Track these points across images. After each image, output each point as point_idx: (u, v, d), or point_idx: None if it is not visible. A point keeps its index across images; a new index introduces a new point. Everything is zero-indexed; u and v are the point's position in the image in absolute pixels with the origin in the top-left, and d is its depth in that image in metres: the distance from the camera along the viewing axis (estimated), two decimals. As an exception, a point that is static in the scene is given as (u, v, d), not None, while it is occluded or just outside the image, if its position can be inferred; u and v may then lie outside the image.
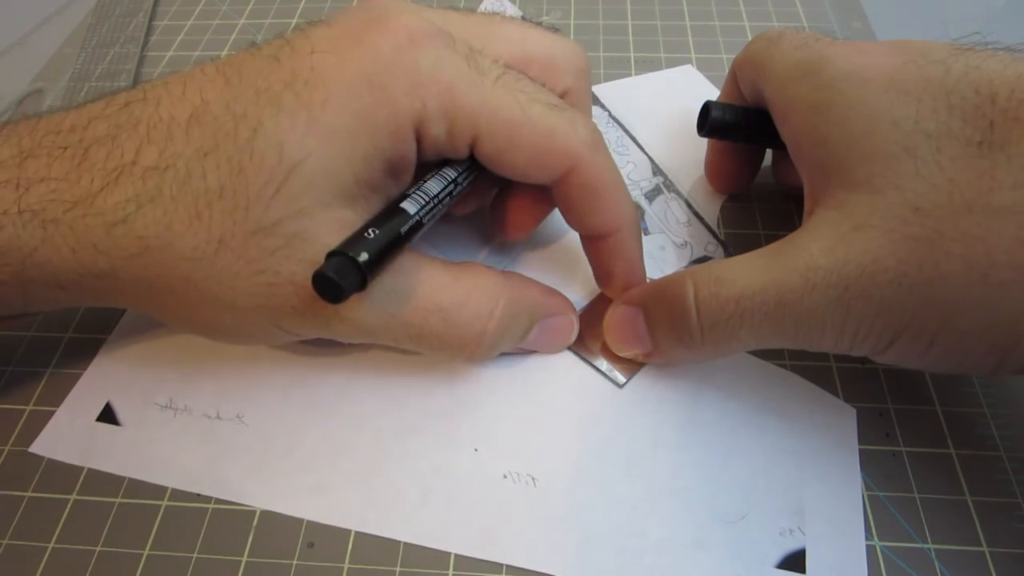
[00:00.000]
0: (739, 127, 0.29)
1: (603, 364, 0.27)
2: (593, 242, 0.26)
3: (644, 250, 0.30)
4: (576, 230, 0.26)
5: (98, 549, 0.23)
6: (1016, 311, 0.19)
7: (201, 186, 0.21)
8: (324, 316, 0.22)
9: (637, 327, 0.25)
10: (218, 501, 0.24)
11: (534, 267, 0.30)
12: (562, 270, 0.29)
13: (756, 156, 0.32)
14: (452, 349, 0.24)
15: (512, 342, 0.25)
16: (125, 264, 0.21)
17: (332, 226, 0.21)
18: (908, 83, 0.21)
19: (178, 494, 0.24)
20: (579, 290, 0.29)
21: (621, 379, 0.26)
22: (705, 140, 0.32)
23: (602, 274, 0.26)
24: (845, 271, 0.20)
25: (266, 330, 0.23)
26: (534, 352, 0.27)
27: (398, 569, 0.23)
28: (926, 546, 0.23)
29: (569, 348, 0.27)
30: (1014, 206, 0.19)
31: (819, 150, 0.22)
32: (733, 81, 0.29)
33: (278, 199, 0.20)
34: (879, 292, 0.20)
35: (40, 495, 0.24)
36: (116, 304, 0.24)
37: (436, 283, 0.23)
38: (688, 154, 0.34)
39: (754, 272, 0.22)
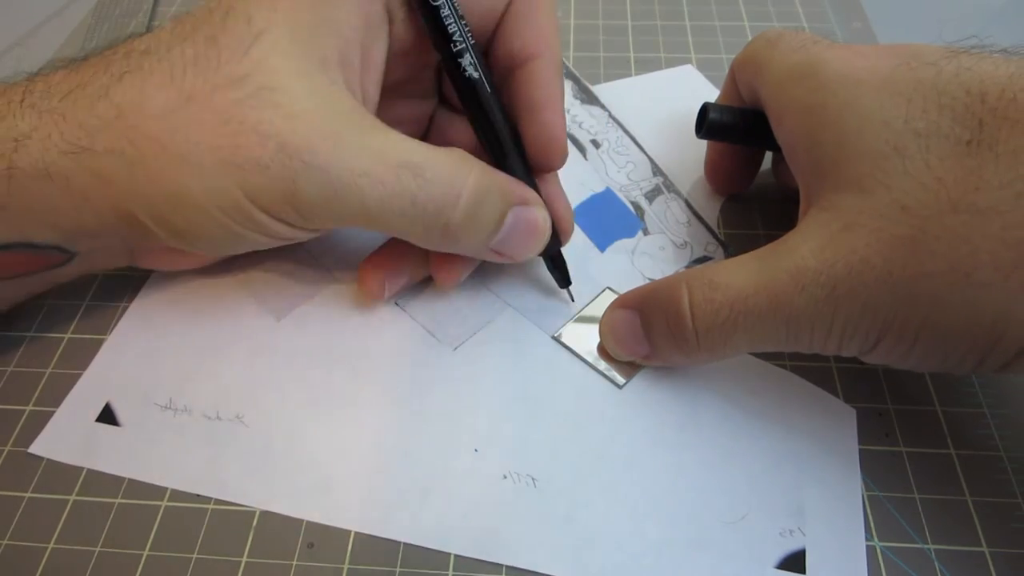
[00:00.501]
0: (737, 129, 0.29)
1: (602, 365, 0.27)
2: (516, 73, 0.26)
3: (644, 250, 0.30)
4: (502, 61, 0.26)
5: (98, 549, 0.23)
6: (996, 311, 0.19)
7: (178, 58, 0.22)
8: (290, 171, 0.21)
9: (634, 331, 0.25)
10: (218, 501, 0.24)
11: (534, 266, 0.29)
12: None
13: (756, 157, 0.32)
14: (426, 216, 0.23)
15: (487, 225, 0.24)
16: (100, 133, 0.22)
17: (300, 80, 0.22)
18: (900, 84, 0.21)
19: (178, 494, 0.24)
20: (581, 291, 0.29)
21: (620, 380, 0.26)
22: (702, 142, 0.32)
23: (524, 106, 0.26)
24: (833, 271, 0.20)
25: (229, 201, 0.22)
26: (506, 261, 0.26)
27: (398, 569, 0.23)
28: (926, 546, 0.23)
29: (568, 348, 0.27)
30: (999, 205, 0.19)
31: (812, 152, 0.23)
32: (732, 82, 0.29)
33: (246, 59, 0.22)
34: (865, 291, 0.20)
35: (40, 495, 0.24)
36: (93, 199, 0.23)
37: (409, 143, 0.23)
38: (688, 154, 0.34)
39: (747, 275, 0.22)
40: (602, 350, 0.27)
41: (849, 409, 0.26)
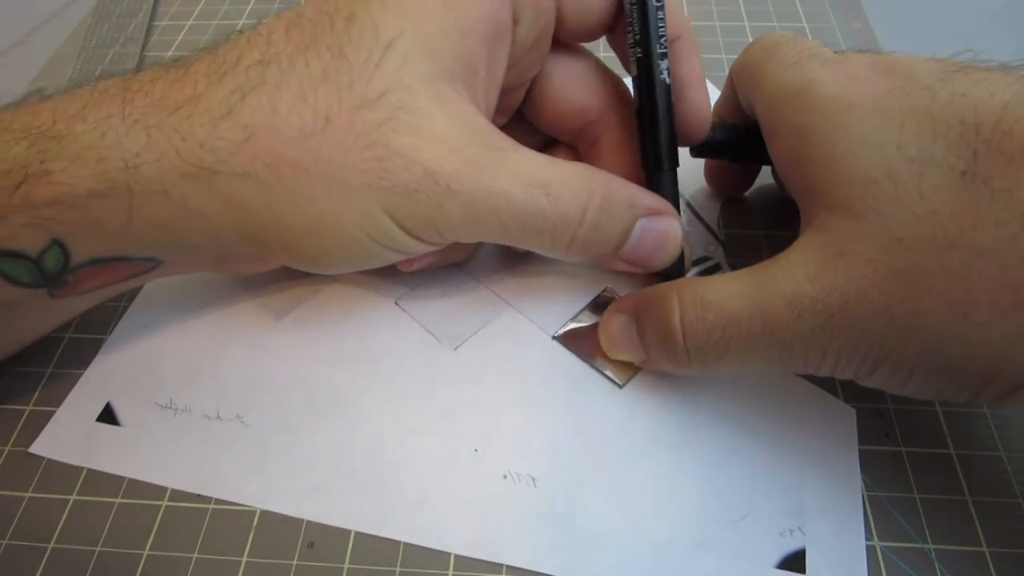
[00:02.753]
0: (729, 147, 0.29)
1: (601, 365, 0.27)
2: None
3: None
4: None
5: (98, 549, 0.23)
6: (993, 350, 0.19)
7: (304, 72, 0.21)
8: (437, 196, 0.21)
9: (630, 336, 0.25)
10: (218, 501, 0.24)
11: (535, 265, 0.29)
12: (562, 271, 0.29)
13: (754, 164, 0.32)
14: (555, 230, 0.23)
15: (614, 237, 0.24)
16: (231, 157, 0.21)
17: (434, 99, 0.21)
18: (893, 108, 0.21)
19: (178, 494, 0.24)
20: (581, 290, 0.29)
21: (620, 380, 0.26)
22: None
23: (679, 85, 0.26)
24: (829, 300, 0.20)
25: (374, 225, 0.22)
26: (638, 271, 0.26)
27: (398, 569, 0.23)
28: (926, 546, 0.23)
29: (568, 348, 0.27)
30: (996, 246, 0.18)
31: (802, 173, 0.22)
32: (731, 88, 0.29)
33: (379, 73, 0.21)
34: (862, 322, 0.20)
35: (40, 495, 0.24)
36: (212, 220, 0.22)
37: (538, 161, 0.23)
38: (688, 155, 0.34)
39: (740, 296, 0.22)
40: (598, 349, 0.27)
41: (849, 409, 0.26)
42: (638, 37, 0.24)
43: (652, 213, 0.24)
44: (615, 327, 0.26)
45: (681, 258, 0.26)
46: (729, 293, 0.22)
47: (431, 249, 0.24)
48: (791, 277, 0.21)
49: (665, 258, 0.25)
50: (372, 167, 0.21)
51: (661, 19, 0.24)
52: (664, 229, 0.25)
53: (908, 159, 0.20)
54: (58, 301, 0.24)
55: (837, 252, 0.20)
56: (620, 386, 0.26)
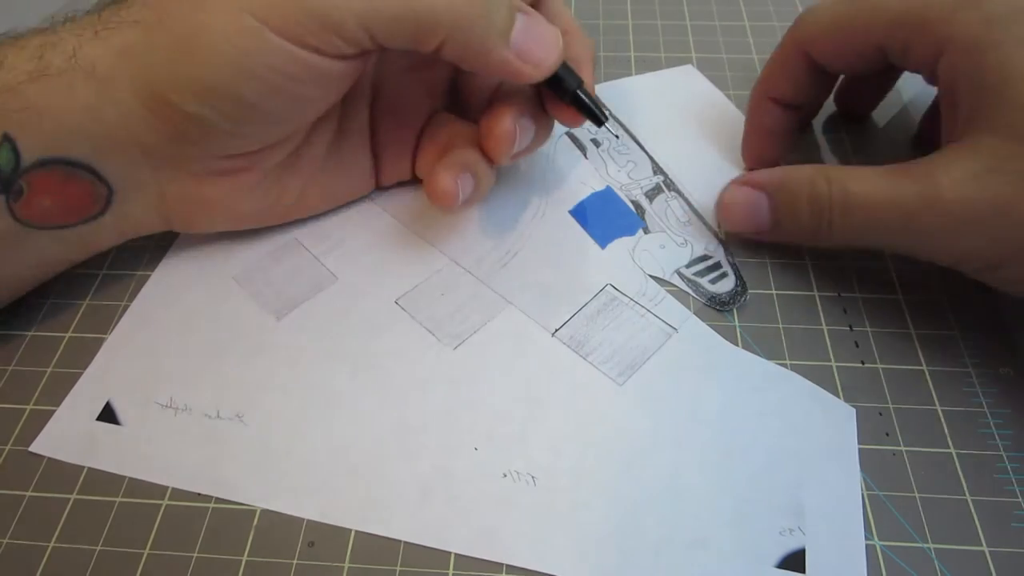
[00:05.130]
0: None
1: (599, 362, 0.27)
2: None
3: (644, 248, 0.30)
4: None
5: (98, 549, 0.23)
6: None
7: None
8: None
9: (759, 208, 0.28)
10: (218, 501, 0.24)
11: (534, 264, 0.30)
12: (562, 269, 0.29)
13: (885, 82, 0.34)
14: None
15: (500, 15, 0.23)
16: (126, 11, 0.23)
17: None
18: None
19: (178, 494, 0.24)
20: (582, 288, 0.29)
21: (620, 380, 0.26)
22: (702, 141, 0.34)
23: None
24: (974, 207, 0.22)
25: (240, 29, 0.22)
26: (531, 77, 0.25)
27: (398, 569, 0.23)
28: (926, 546, 0.23)
29: (568, 346, 0.27)
30: None
31: (975, 93, 0.23)
32: (796, 61, 0.29)
33: None
34: (999, 229, 0.22)
35: (40, 495, 0.24)
36: (117, 82, 0.23)
37: None
38: (688, 153, 0.34)
39: (882, 190, 0.24)
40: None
41: (849, 409, 0.26)
42: None
43: (522, 9, 0.24)
44: (742, 197, 0.28)
45: (573, 74, 0.26)
46: (871, 186, 0.24)
47: (325, 63, 0.23)
48: (933, 180, 0.23)
49: (554, 50, 0.25)
50: None
51: None
52: (543, 23, 0.25)
53: None
54: (25, 232, 0.25)
55: (987, 167, 0.22)
56: (620, 385, 0.26)
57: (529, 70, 0.24)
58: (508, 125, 0.26)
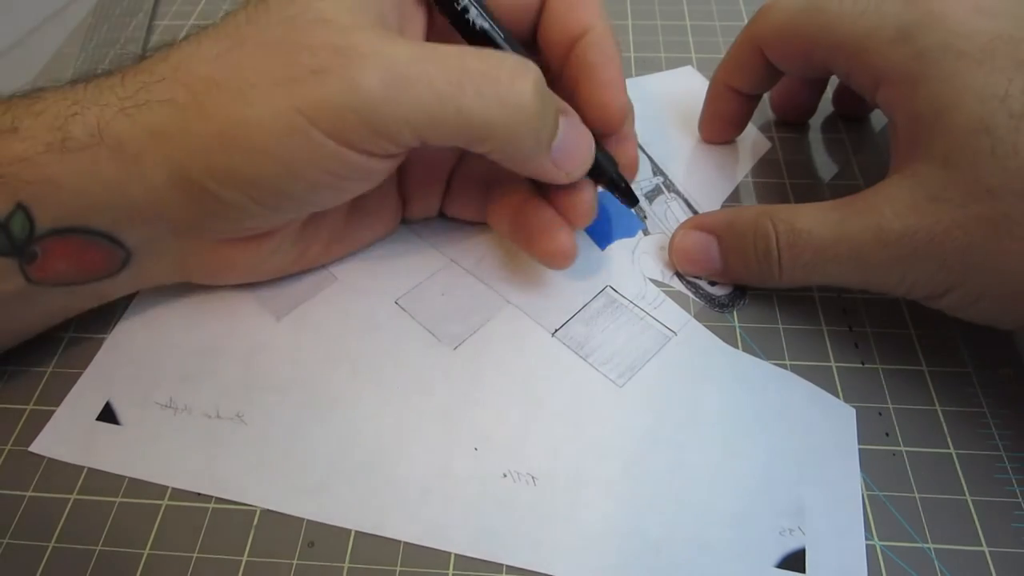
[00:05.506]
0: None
1: (599, 363, 0.27)
2: (571, 52, 0.26)
3: (644, 250, 0.30)
4: (555, 46, 0.26)
5: (98, 549, 0.23)
6: None
7: (231, 21, 0.23)
8: (348, 69, 0.20)
9: (709, 252, 0.28)
10: (218, 501, 0.24)
11: (535, 264, 0.29)
12: (568, 270, 0.29)
13: (820, 86, 0.34)
14: (499, 87, 0.21)
15: (549, 118, 0.23)
16: (156, 87, 0.22)
17: (350, 16, 0.22)
18: (1000, 60, 0.22)
19: (178, 494, 0.24)
20: (582, 288, 0.29)
21: (620, 381, 0.26)
22: (702, 142, 0.35)
23: (582, 76, 0.26)
24: (916, 236, 0.23)
25: (286, 126, 0.21)
26: (562, 181, 0.25)
27: (398, 569, 0.23)
28: (926, 546, 0.23)
29: (568, 347, 0.27)
30: None
31: (910, 124, 0.24)
32: (750, 53, 0.30)
33: (296, 4, 0.22)
34: (943, 256, 0.22)
35: (40, 495, 0.24)
36: (146, 161, 0.22)
37: (465, 46, 0.23)
38: (688, 154, 0.34)
39: (828, 225, 0.24)
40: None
41: (849, 409, 0.26)
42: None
43: (565, 112, 0.25)
44: (692, 242, 0.28)
45: (614, 165, 0.27)
46: (817, 222, 0.25)
47: (368, 163, 0.22)
48: (878, 213, 0.23)
49: (587, 158, 0.25)
50: (279, 63, 0.21)
51: None
52: (580, 126, 0.25)
53: (1010, 114, 0.21)
54: (36, 290, 0.24)
55: (927, 196, 0.23)
56: (620, 386, 0.26)
57: (562, 177, 0.25)
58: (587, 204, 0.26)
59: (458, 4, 0.24)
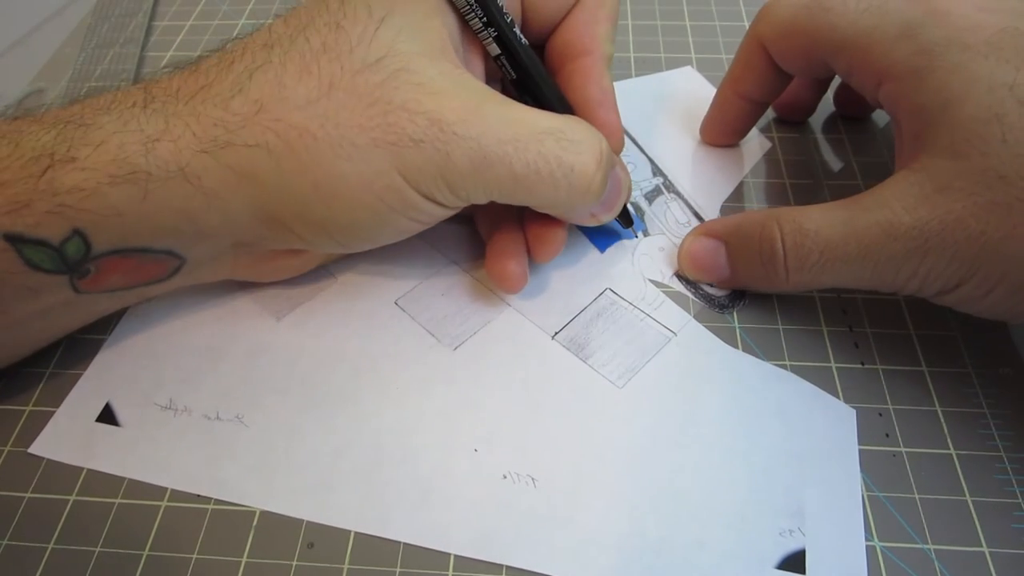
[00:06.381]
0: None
1: (599, 365, 0.27)
2: (564, 68, 0.27)
3: (644, 251, 0.30)
4: (554, 58, 0.27)
5: (98, 549, 0.23)
6: None
7: (305, 47, 0.22)
8: (443, 143, 0.22)
9: (717, 258, 0.28)
10: (218, 501, 0.24)
11: (534, 266, 0.29)
12: (562, 272, 0.29)
13: (822, 86, 0.34)
14: (571, 177, 0.23)
15: (596, 198, 0.25)
16: (241, 129, 0.22)
17: (429, 64, 0.22)
18: (1008, 50, 0.22)
19: (178, 494, 0.24)
20: (582, 290, 0.29)
21: (620, 383, 0.26)
22: (702, 143, 0.35)
23: (576, 102, 0.27)
24: (928, 227, 0.22)
25: (384, 184, 0.22)
26: (591, 223, 0.27)
27: (398, 569, 0.23)
28: (926, 546, 0.23)
29: (567, 348, 0.27)
30: None
31: (916, 116, 0.24)
32: (757, 54, 0.30)
33: (376, 42, 0.22)
34: (955, 246, 0.22)
35: (40, 495, 0.24)
36: (227, 198, 0.22)
37: (543, 113, 0.24)
38: (688, 155, 0.34)
39: (835, 225, 0.24)
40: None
41: (849, 409, 0.26)
42: (484, 19, 0.24)
43: (615, 164, 0.26)
44: (700, 248, 0.28)
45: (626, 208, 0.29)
46: (825, 222, 0.24)
47: (442, 214, 0.24)
48: (886, 208, 0.23)
49: (619, 208, 0.27)
50: (377, 123, 0.22)
51: None
52: (620, 179, 0.27)
53: (1019, 101, 0.21)
54: (83, 297, 0.24)
55: (937, 187, 0.22)
56: (620, 387, 0.26)
57: (591, 221, 0.27)
58: (556, 246, 0.27)
59: (506, 16, 0.25)
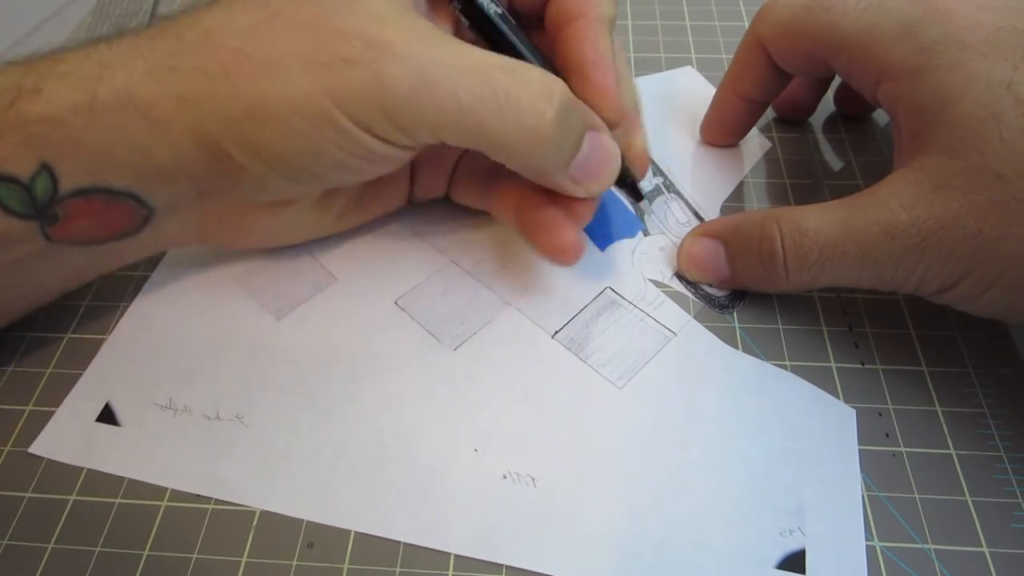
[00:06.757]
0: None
1: (599, 364, 0.27)
2: (560, 33, 0.26)
3: (644, 251, 0.30)
4: (551, 25, 0.26)
5: (98, 549, 0.23)
6: None
7: None
8: (379, 64, 0.21)
9: (717, 258, 0.28)
10: (218, 501, 0.24)
11: (535, 266, 0.29)
12: (562, 271, 0.29)
13: (822, 85, 0.34)
14: (521, 111, 0.22)
15: (572, 138, 0.23)
16: (187, 54, 0.22)
17: (387, 4, 0.22)
18: (1006, 48, 0.22)
19: (178, 494, 0.24)
20: (582, 290, 0.29)
21: (620, 383, 0.26)
22: (702, 142, 0.35)
23: (571, 68, 0.25)
24: (925, 226, 0.22)
25: (316, 110, 0.21)
26: (580, 194, 0.25)
27: (398, 569, 0.23)
28: (926, 546, 0.23)
29: (568, 348, 0.27)
30: None
31: (914, 117, 0.24)
32: (756, 54, 0.30)
33: None
34: (953, 244, 0.22)
35: (40, 495, 0.24)
36: (173, 126, 0.22)
37: (491, 54, 0.23)
38: (688, 154, 0.34)
39: (834, 224, 0.24)
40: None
41: (849, 409, 0.26)
42: None
43: (595, 127, 0.24)
44: (700, 249, 0.28)
45: (625, 171, 0.27)
46: (824, 221, 0.24)
47: (389, 151, 0.23)
48: (885, 207, 0.23)
49: (609, 176, 0.25)
50: (311, 46, 0.21)
51: None
52: (606, 144, 0.25)
53: (1016, 100, 0.21)
54: (56, 249, 0.24)
55: (934, 186, 0.22)
56: (620, 387, 0.26)
57: (580, 192, 0.25)
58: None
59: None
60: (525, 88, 0.22)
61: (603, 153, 0.25)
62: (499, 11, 0.25)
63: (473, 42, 0.23)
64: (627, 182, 0.28)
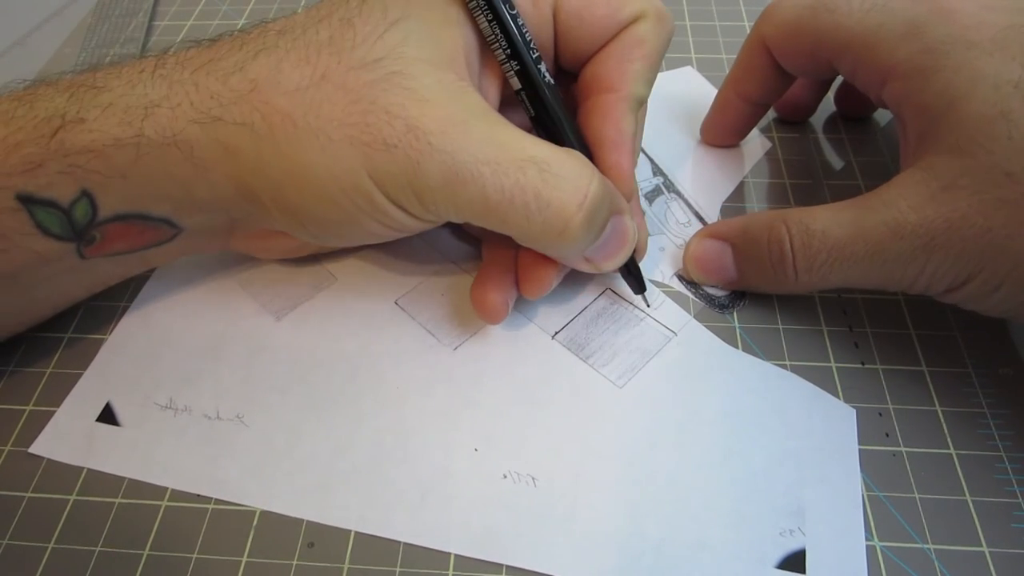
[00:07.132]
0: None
1: (599, 365, 0.27)
2: (586, 102, 0.26)
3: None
4: (582, 89, 0.26)
5: (98, 549, 0.23)
6: None
7: (314, 38, 0.23)
8: (416, 152, 0.21)
9: (723, 260, 0.28)
10: (218, 501, 0.24)
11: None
12: (568, 272, 0.29)
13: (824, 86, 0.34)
14: (547, 213, 0.22)
15: (596, 231, 0.24)
16: (233, 105, 0.22)
17: (429, 72, 0.22)
18: (1012, 47, 0.22)
19: (178, 494, 0.24)
20: (582, 291, 0.29)
21: (621, 382, 0.26)
22: (702, 142, 0.35)
23: (591, 140, 0.26)
24: (933, 225, 0.22)
25: (352, 183, 0.22)
26: (589, 271, 0.26)
27: (398, 569, 0.23)
28: (926, 546, 0.23)
29: (567, 348, 0.27)
30: None
31: (921, 117, 0.24)
32: (759, 55, 0.30)
33: (380, 43, 0.22)
34: (961, 243, 0.22)
35: (40, 495, 0.24)
36: (214, 171, 0.23)
37: (533, 140, 0.23)
38: (688, 154, 0.34)
39: (843, 225, 0.24)
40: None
41: (849, 409, 0.26)
42: (508, 51, 0.24)
43: (620, 212, 0.25)
44: (706, 251, 0.28)
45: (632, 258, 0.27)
46: (832, 222, 0.25)
47: (413, 225, 0.24)
48: (893, 207, 0.23)
49: (621, 259, 0.26)
50: (356, 121, 0.22)
51: (522, 24, 0.24)
52: (625, 229, 0.25)
53: None
54: (87, 263, 0.25)
55: (942, 186, 0.22)
56: (620, 386, 0.26)
57: (589, 269, 0.26)
58: (547, 282, 0.26)
59: (533, 51, 0.24)
60: (556, 191, 0.22)
61: (622, 237, 0.25)
62: (551, 82, 0.25)
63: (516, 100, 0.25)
64: (631, 271, 0.27)
